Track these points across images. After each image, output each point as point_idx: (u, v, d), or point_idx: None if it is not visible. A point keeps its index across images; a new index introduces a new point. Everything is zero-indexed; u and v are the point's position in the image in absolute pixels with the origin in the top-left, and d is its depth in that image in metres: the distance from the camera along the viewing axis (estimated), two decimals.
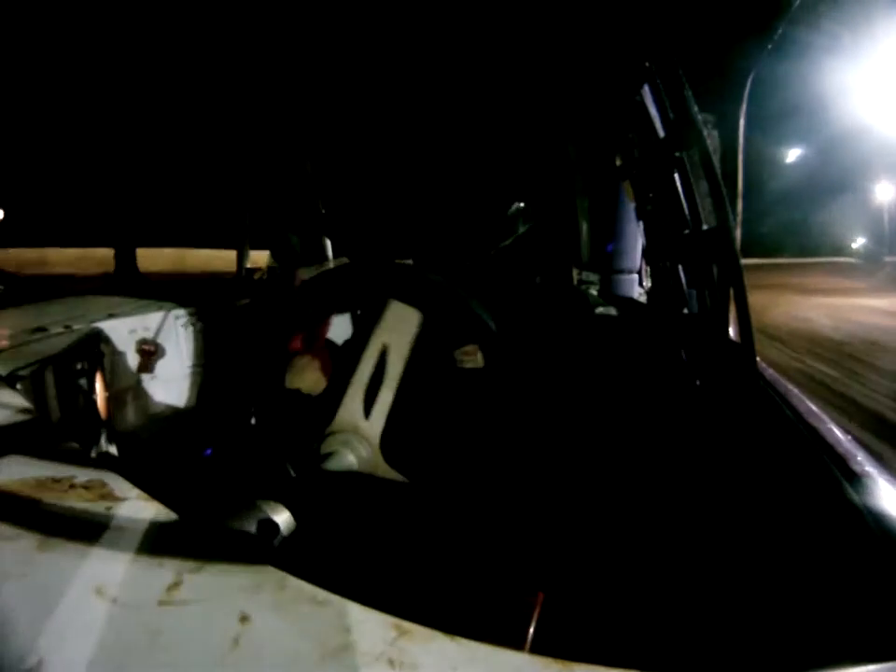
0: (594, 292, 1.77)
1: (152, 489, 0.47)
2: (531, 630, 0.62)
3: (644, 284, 1.73)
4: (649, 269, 1.63)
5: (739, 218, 0.88)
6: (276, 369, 1.44)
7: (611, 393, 1.25)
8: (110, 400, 1.36)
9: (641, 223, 1.46)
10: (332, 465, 1.15)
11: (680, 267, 0.97)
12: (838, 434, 0.65)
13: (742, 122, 0.87)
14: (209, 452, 1.53)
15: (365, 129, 1.88)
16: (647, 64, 0.92)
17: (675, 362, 1.07)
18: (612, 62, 1.10)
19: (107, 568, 0.36)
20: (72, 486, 0.46)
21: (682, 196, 0.83)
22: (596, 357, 1.31)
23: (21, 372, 0.90)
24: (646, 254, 1.60)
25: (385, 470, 1.21)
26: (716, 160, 0.78)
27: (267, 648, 0.30)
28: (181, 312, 1.62)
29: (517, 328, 1.13)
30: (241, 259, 2.11)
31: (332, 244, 2.27)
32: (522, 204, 1.88)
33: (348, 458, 1.19)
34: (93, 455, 1.22)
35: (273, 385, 1.46)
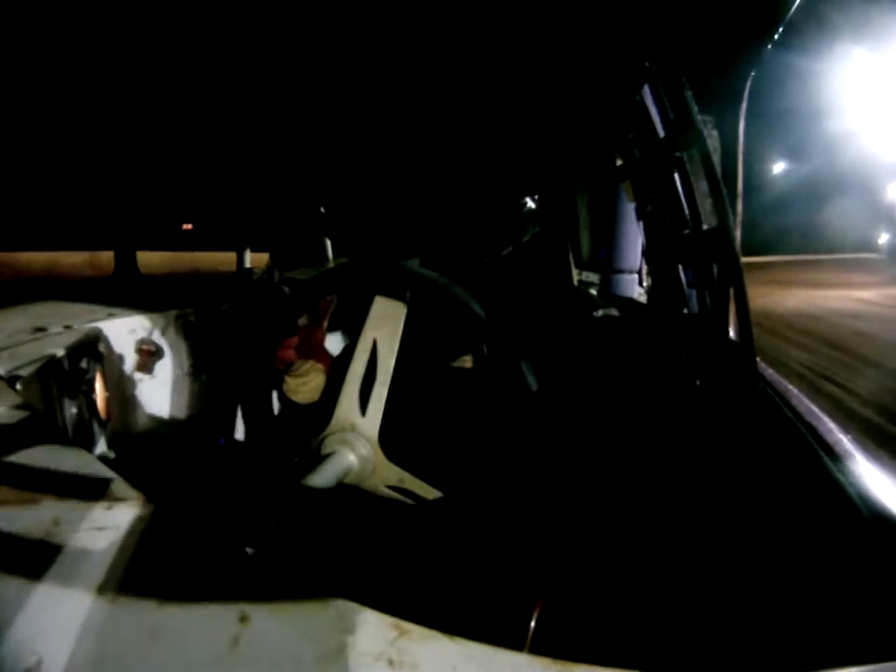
0: (593, 292, 1.77)
1: (152, 489, 0.47)
2: (531, 630, 0.62)
3: (644, 284, 1.73)
4: (648, 269, 1.63)
5: (739, 218, 0.88)
6: (264, 375, 1.44)
7: (611, 393, 1.25)
8: (110, 400, 1.36)
9: (641, 223, 1.46)
10: (333, 464, 1.15)
11: (680, 267, 0.97)
12: (838, 434, 0.65)
13: (742, 122, 0.87)
14: (222, 441, 1.53)
15: (367, 131, 1.88)
16: (647, 65, 0.92)
17: (675, 362, 1.07)
18: (612, 62, 1.10)
19: (107, 568, 0.36)
20: (72, 486, 0.46)
21: (682, 196, 0.83)
22: (597, 356, 1.31)
23: (21, 372, 0.89)
24: (646, 254, 1.60)
25: (385, 465, 1.21)
26: (716, 159, 0.78)
27: (267, 648, 0.30)
28: (181, 312, 1.62)
29: (518, 327, 1.13)
30: (241, 259, 2.12)
31: (332, 244, 2.27)
32: (531, 204, 1.89)
33: (348, 457, 1.19)
34: (93, 454, 1.22)
35: (259, 391, 1.46)
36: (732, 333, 0.81)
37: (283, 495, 1.03)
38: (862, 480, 0.54)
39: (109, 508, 0.43)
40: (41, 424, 0.59)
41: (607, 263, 1.74)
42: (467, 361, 1.41)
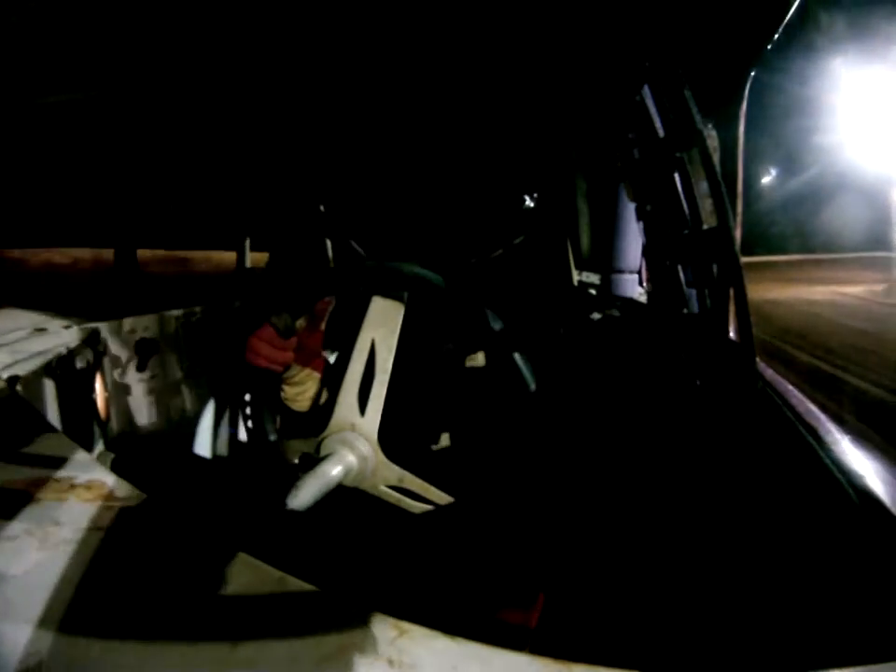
0: (593, 293, 1.77)
1: (151, 489, 0.47)
2: (531, 631, 0.62)
3: (644, 284, 1.73)
4: (648, 269, 1.63)
5: (739, 218, 0.88)
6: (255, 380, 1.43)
7: (611, 393, 1.25)
8: (110, 400, 1.36)
9: (641, 223, 1.46)
10: (333, 464, 1.15)
11: (680, 267, 0.97)
12: (837, 434, 0.65)
13: (742, 122, 0.87)
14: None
15: (367, 131, 1.88)
16: (647, 65, 0.92)
17: (675, 362, 1.07)
18: (612, 62, 1.10)
19: (108, 568, 0.36)
20: (72, 486, 0.46)
21: (682, 196, 0.83)
22: (596, 356, 1.31)
23: (21, 372, 0.89)
24: (646, 254, 1.60)
25: (385, 465, 1.21)
26: (716, 159, 0.78)
27: (267, 648, 0.30)
28: (181, 312, 1.62)
29: (520, 328, 1.13)
30: (241, 259, 2.12)
31: (332, 244, 2.27)
32: (529, 203, 1.88)
33: (348, 458, 1.19)
34: (93, 454, 1.22)
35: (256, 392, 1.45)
36: (732, 333, 0.81)
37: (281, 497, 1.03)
38: (863, 480, 0.54)
39: (109, 508, 0.43)
40: (41, 424, 0.59)
41: (607, 263, 1.74)
42: (477, 359, 1.40)
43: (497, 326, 1.10)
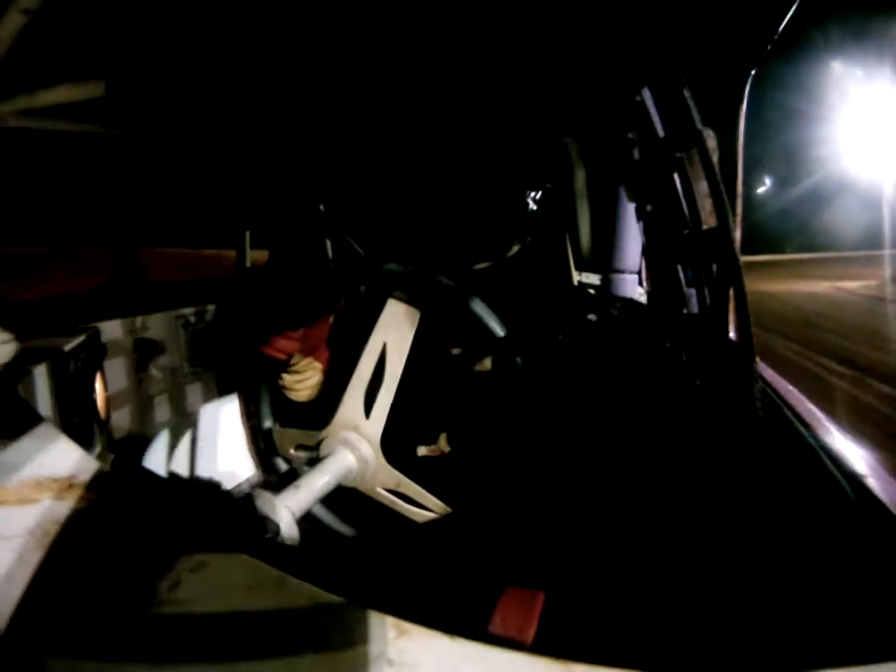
0: (593, 293, 1.77)
1: (151, 488, 0.47)
2: (531, 630, 0.61)
3: (644, 284, 1.73)
4: (648, 269, 1.63)
5: (739, 219, 0.88)
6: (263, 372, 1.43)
7: (611, 393, 1.25)
8: (110, 400, 1.36)
9: (641, 223, 1.46)
10: (333, 464, 1.15)
11: (680, 267, 0.97)
12: (837, 434, 0.65)
13: (742, 122, 0.87)
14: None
15: (371, 134, 1.88)
16: (647, 65, 0.92)
17: (675, 362, 1.07)
18: (613, 63, 1.10)
19: (108, 568, 0.36)
20: (72, 486, 0.46)
21: (682, 196, 0.83)
22: (596, 357, 1.31)
23: (21, 372, 0.89)
24: (646, 254, 1.60)
25: (384, 468, 1.21)
26: (714, 160, 0.78)
27: (267, 648, 0.30)
28: (181, 312, 1.62)
29: (523, 332, 1.13)
30: (241, 258, 2.12)
31: (332, 244, 2.27)
32: (532, 206, 1.88)
33: (348, 458, 1.19)
34: (93, 454, 1.22)
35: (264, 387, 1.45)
36: (732, 333, 0.81)
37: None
38: (862, 480, 0.54)
39: (110, 508, 0.43)
40: (41, 424, 0.59)
41: (607, 263, 1.74)
42: (485, 364, 1.40)
43: (501, 332, 1.10)
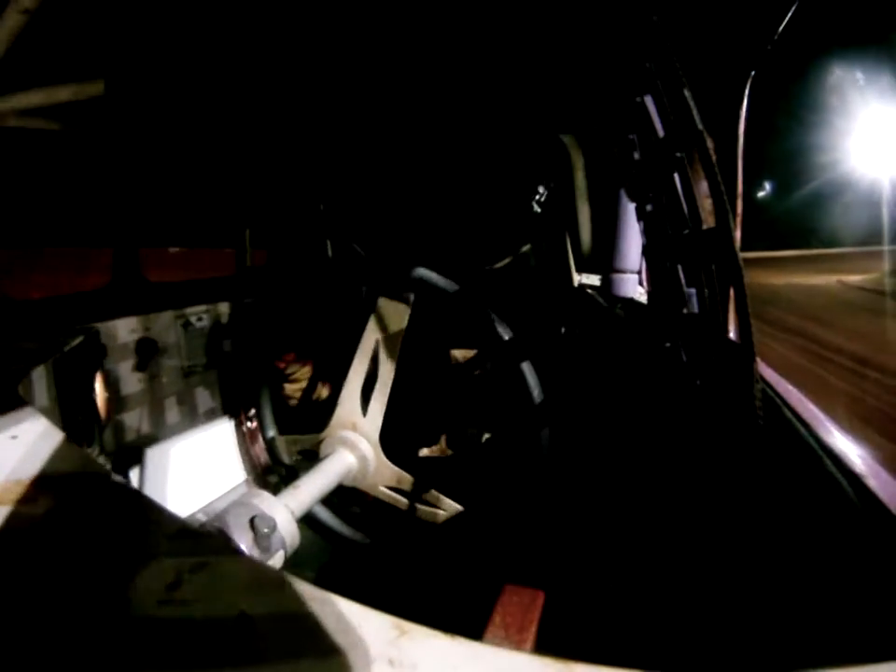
0: (593, 294, 1.77)
1: (151, 488, 0.47)
2: (531, 630, 0.62)
3: (644, 284, 1.73)
4: (648, 269, 1.63)
5: (739, 219, 0.88)
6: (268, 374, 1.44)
7: (611, 393, 1.25)
8: (110, 400, 1.36)
9: (641, 223, 1.46)
10: (334, 464, 1.15)
11: (680, 267, 0.97)
12: (837, 434, 0.65)
13: (742, 122, 0.87)
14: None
15: (369, 133, 1.88)
16: (647, 65, 0.92)
17: (675, 362, 1.07)
18: (613, 62, 1.10)
19: (108, 568, 0.36)
20: (71, 486, 0.46)
21: (682, 196, 0.83)
22: (596, 357, 1.30)
23: (22, 372, 0.89)
24: (646, 254, 1.60)
25: (384, 465, 1.21)
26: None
27: (267, 648, 0.30)
28: (181, 312, 1.62)
29: (526, 334, 1.13)
30: (241, 258, 2.11)
31: (332, 244, 2.27)
32: (538, 209, 1.88)
33: (348, 457, 1.19)
34: (93, 454, 1.22)
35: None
36: (732, 333, 0.81)
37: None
38: (862, 480, 0.54)
39: (109, 508, 0.43)
40: (41, 424, 0.59)
41: (607, 263, 1.74)
42: (470, 354, 1.40)
43: (506, 335, 1.10)
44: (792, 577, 0.57)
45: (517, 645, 0.60)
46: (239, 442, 1.86)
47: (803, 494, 0.59)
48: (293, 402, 1.49)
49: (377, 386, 1.19)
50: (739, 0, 0.82)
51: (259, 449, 1.81)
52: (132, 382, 1.45)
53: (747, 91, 0.85)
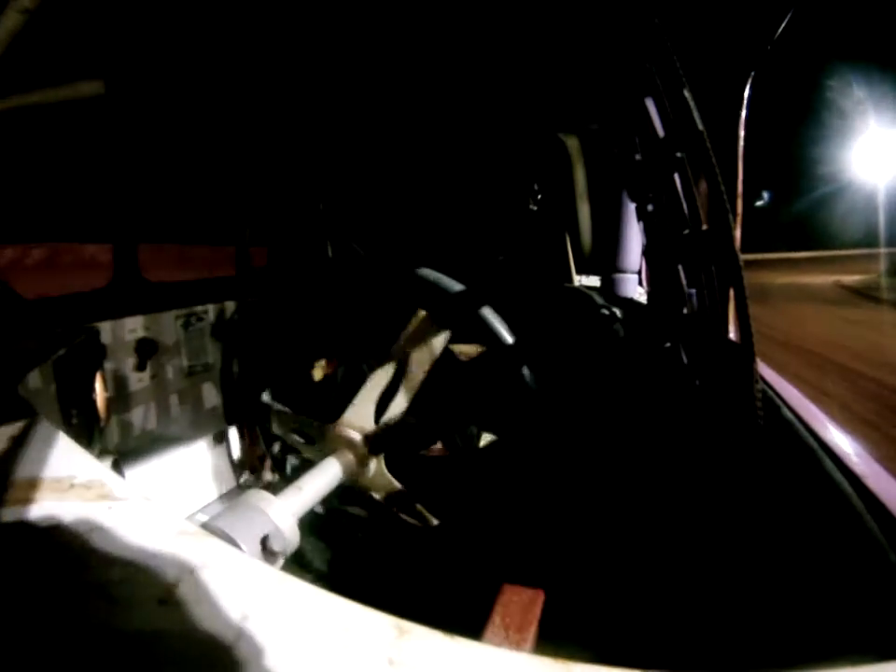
0: (593, 294, 1.78)
1: (151, 488, 0.47)
2: (531, 630, 0.62)
3: (644, 284, 1.73)
4: (648, 269, 1.63)
5: (739, 219, 0.88)
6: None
7: (611, 393, 1.25)
8: (110, 400, 1.36)
9: (641, 223, 1.46)
10: (334, 465, 1.15)
11: (680, 267, 0.97)
12: (837, 434, 0.65)
13: (742, 123, 0.87)
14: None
15: (370, 133, 1.88)
16: (647, 65, 0.92)
17: (674, 362, 1.07)
18: (614, 63, 1.10)
19: (107, 568, 0.36)
20: (72, 486, 0.46)
21: (682, 196, 0.83)
22: (596, 357, 1.30)
23: (22, 372, 0.89)
24: (646, 254, 1.60)
25: (383, 475, 1.21)
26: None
27: (267, 648, 0.30)
28: (181, 312, 1.62)
29: (526, 335, 1.12)
30: (241, 258, 2.11)
31: (332, 243, 2.27)
32: (534, 207, 1.88)
33: (350, 459, 1.18)
34: (93, 454, 1.22)
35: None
36: (732, 333, 0.81)
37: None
38: (862, 480, 0.54)
39: (109, 508, 0.43)
40: (41, 424, 0.59)
41: (607, 263, 1.74)
42: (470, 349, 1.40)
43: (510, 339, 1.10)
44: (792, 577, 0.57)
45: (517, 645, 0.60)
46: (239, 442, 1.86)
47: (803, 494, 0.59)
48: (301, 384, 1.49)
49: (397, 399, 1.17)
50: (739, 0, 0.82)
51: (260, 449, 1.81)
52: (132, 382, 1.45)
53: (747, 92, 0.85)
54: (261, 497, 0.97)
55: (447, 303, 1.12)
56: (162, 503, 0.45)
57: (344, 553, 1.42)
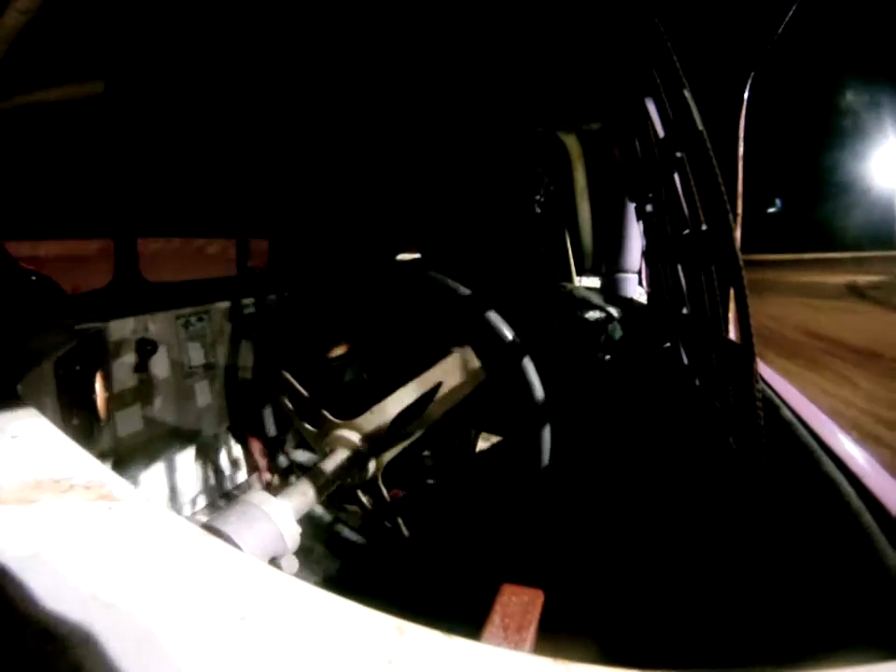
0: (594, 294, 1.78)
1: (151, 488, 0.47)
2: (531, 630, 0.61)
3: (644, 284, 1.73)
4: (648, 269, 1.63)
5: (739, 219, 0.88)
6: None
7: (611, 393, 1.25)
8: (110, 400, 1.36)
9: (641, 223, 1.46)
10: (335, 465, 1.15)
11: (680, 267, 0.97)
12: (838, 435, 0.65)
13: (742, 123, 0.87)
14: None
15: (371, 133, 1.88)
16: (647, 66, 0.92)
17: (674, 362, 1.07)
18: (614, 63, 1.10)
19: (107, 568, 0.36)
20: (72, 486, 0.46)
21: (682, 196, 0.83)
22: (596, 357, 1.30)
23: (22, 372, 0.89)
24: (646, 254, 1.60)
25: (382, 477, 1.21)
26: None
27: (267, 648, 0.30)
28: (181, 312, 1.62)
29: (528, 335, 1.13)
30: (242, 258, 2.11)
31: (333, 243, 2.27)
32: (538, 209, 1.88)
33: (348, 458, 1.18)
34: (93, 454, 1.22)
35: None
36: (732, 333, 0.81)
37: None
38: (863, 480, 0.54)
39: (110, 508, 0.43)
40: (41, 424, 0.59)
41: (608, 263, 1.74)
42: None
43: (510, 337, 1.10)
44: (792, 577, 0.57)
45: (516, 645, 0.60)
46: (239, 443, 1.86)
47: (803, 494, 0.59)
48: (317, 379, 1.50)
49: (414, 424, 1.18)
50: (739, 1, 0.82)
51: (260, 449, 1.81)
52: (132, 382, 1.45)
53: (746, 93, 0.85)
54: (261, 498, 0.97)
55: (499, 350, 1.12)
56: (162, 503, 0.45)
57: (344, 554, 1.42)
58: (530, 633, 0.63)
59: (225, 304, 1.78)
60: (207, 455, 1.74)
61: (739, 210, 0.88)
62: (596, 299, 1.41)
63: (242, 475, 1.88)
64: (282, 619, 0.32)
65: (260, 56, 1.19)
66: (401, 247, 2.14)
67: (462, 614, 0.60)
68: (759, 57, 0.82)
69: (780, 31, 0.79)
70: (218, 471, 1.78)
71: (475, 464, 1.37)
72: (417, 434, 1.16)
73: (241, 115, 1.65)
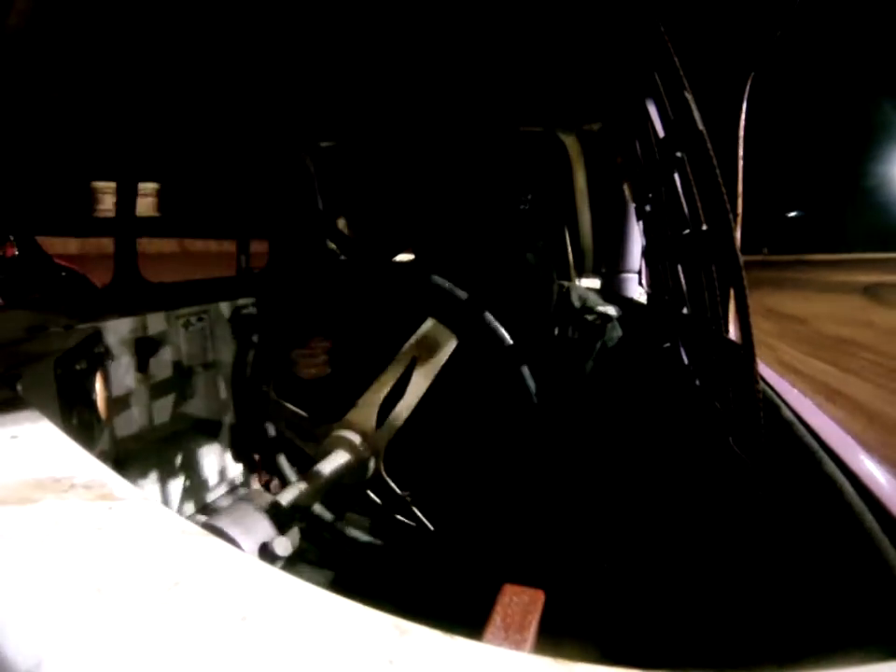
0: (593, 294, 1.78)
1: (151, 488, 0.47)
2: (531, 630, 0.61)
3: (644, 284, 1.73)
4: (648, 269, 1.63)
5: (739, 219, 0.88)
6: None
7: (611, 393, 1.25)
8: (110, 400, 1.36)
9: (641, 223, 1.46)
10: (333, 465, 1.15)
11: (680, 267, 0.97)
12: (838, 434, 0.65)
13: (742, 123, 0.87)
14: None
15: (372, 133, 1.88)
16: (648, 66, 0.92)
17: (674, 362, 1.07)
18: (614, 63, 1.10)
19: (107, 569, 0.36)
20: (72, 486, 0.46)
21: (682, 196, 0.83)
22: (596, 357, 1.30)
23: (21, 372, 0.89)
24: (646, 254, 1.60)
25: (382, 476, 1.21)
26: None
27: (267, 648, 0.30)
28: (182, 312, 1.62)
29: (525, 337, 1.12)
30: (241, 257, 2.11)
31: (332, 242, 2.26)
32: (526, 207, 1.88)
33: (349, 460, 1.18)
34: (93, 454, 1.22)
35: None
36: (732, 333, 0.81)
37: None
38: (862, 480, 0.54)
39: (110, 508, 0.43)
40: (41, 424, 0.59)
41: (608, 263, 1.75)
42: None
43: (509, 340, 1.10)
44: (792, 577, 0.57)
45: (517, 645, 0.60)
46: (239, 443, 1.86)
47: (803, 494, 0.59)
48: (301, 370, 1.49)
49: (401, 405, 1.18)
50: (739, 1, 0.82)
51: (260, 449, 1.81)
52: (132, 382, 1.45)
53: (746, 93, 0.85)
54: (262, 497, 0.97)
55: (456, 312, 1.12)
56: (162, 503, 0.45)
57: (344, 554, 1.42)
58: (531, 633, 0.63)
59: (225, 304, 1.77)
60: (207, 455, 1.74)
61: (739, 210, 0.88)
62: (596, 299, 1.41)
63: (242, 475, 1.88)
64: (282, 619, 0.32)
65: (261, 56, 1.19)
66: (400, 248, 2.15)
67: (463, 614, 0.60)
68: (759, 57, 0.82)
69: (780, 31, 0.79)
70: (218, 471, 1.79)
71: (476, 463, 1.37)
72: (407, 413, 1.16)
73: (241, 115, 1.65)
